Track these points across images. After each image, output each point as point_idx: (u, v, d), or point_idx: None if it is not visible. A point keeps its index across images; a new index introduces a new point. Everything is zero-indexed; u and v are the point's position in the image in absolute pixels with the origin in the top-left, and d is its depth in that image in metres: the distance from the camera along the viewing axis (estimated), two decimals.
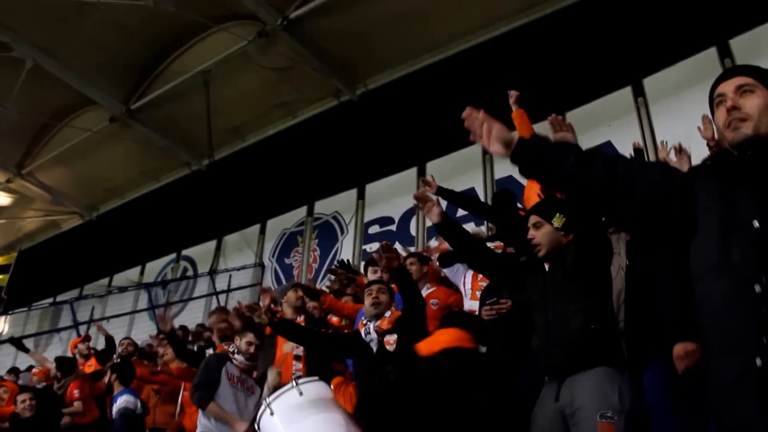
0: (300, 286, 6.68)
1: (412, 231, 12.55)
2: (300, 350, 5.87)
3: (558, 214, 3.63)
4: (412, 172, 13.18)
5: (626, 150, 7.98)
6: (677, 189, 2.21)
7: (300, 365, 5.80)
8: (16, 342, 10.09)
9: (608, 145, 10.05)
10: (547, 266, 3.63)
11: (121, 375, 7.43)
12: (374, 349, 4.53)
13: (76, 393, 7.86)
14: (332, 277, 9.15)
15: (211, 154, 15.24)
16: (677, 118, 9.21)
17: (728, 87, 2.24)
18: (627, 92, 10.69)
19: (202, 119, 14.19)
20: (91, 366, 8.83)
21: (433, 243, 8.72)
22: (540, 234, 3.64)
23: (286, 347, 5.97)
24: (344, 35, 12.41)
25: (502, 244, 5.94)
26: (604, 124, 10.41)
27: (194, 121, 14.62)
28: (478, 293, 5.37)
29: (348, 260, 9.47)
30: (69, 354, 9.80)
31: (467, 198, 7.38)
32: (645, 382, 3.59)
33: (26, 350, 9.93)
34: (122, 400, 7.02)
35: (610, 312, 3.50)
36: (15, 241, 21.08)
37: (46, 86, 14.07)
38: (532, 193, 5.60)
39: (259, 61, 13.21)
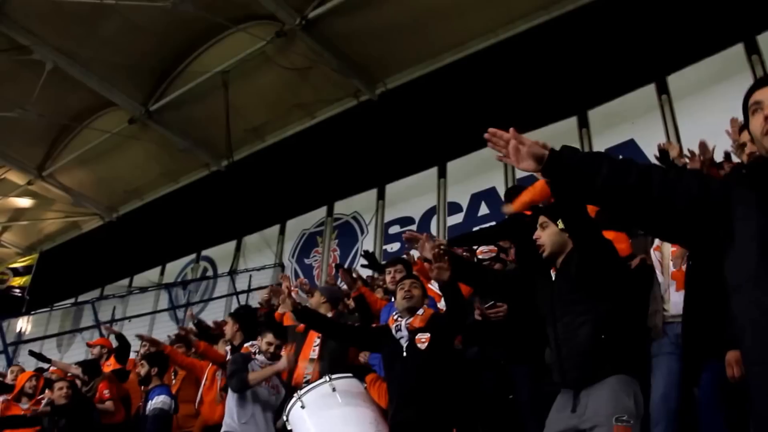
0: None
1: (433, 230, 12.43)
2: (315, 353, 5.86)
3: None
4: (433, 171, 13.11)
5: (650, 148, 7.90)
6: (714, 199, 2.12)
7: (311, 368, 5.77)
8: (37, 355, 10.00)
9: (631, 144, 9.95)
10: (553, 275, 3.58)
11: (159, 366, 7.35)
12: (404, 346, 4.46)
13: (106, 393, 7.70)
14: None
15: (230, 155, 15.24)
16: (702, 116, 9.09)
17: (765, 94, 2.15)
18: (651, 90, 10.52)
19: (221, 120, 14.19)
20: (110, 365, 8.76)
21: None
22: (545, 234, 3.61)
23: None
24: (363, 35, 12.39)
25: (495, 248, 5.91)
26: (628, 122, 10.28)
27: (213, 122, 14.62)
28: None
29: (373, 252, 9.41)
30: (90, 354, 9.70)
31: (474, 234, 7.47)
32: (701, 380, 3.55)
33: (48, 360, 9.85)
34: (159, 401, 6.90)
35: (624, 318, 3.39)
36: (36, 242, 21.31)
37: (65, 88, 14.18)
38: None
39: (278, 61, 13.21)
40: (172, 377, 7.95)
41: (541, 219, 3.67)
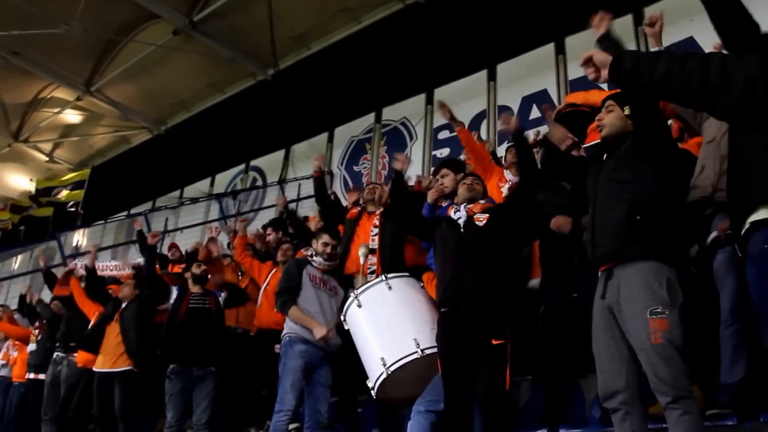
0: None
1: (483, 135, 12.28)
2: (375, 244, 5.97)
3: None
4: (482, 75, 12.89)
5: (710, 46, 7.64)
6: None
7: (375, 259, 5.90)
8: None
9: (690, 42, 9.61)
10: (604, 158, 3.62)
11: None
12: (461, 224, 4.48)
13: None
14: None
15: (276, 64, 15.17)
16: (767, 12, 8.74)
17: None
18: None
19: (266, 28, 14.07)
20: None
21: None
22: (609, 116, 3.65)
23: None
24: None
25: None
26: (686, 19, 9.88)
27: (258, 31, 14.51)
28: None
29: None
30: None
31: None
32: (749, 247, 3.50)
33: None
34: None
35: (665, 205, 3.39)
36: (88, 157, 21.64)
37: (109, 2, 14.18)
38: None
39: None
40: (238, 275, 8.11)
41: (608, 103, 3.71)
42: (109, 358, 7.31)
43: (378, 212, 6.19)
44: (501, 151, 8.87)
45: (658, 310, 3.05)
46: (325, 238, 5.85)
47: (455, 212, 4.63)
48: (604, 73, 2.62)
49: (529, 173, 4.64)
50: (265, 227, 8.84)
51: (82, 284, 8.73)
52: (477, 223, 4.41)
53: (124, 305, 7.54)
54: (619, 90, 4.02)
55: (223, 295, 7.14)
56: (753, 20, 2.54)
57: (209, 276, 7.06)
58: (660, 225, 3.28)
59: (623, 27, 9.55)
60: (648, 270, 3.17)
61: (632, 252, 3.22)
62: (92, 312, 8.17)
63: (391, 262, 5.74)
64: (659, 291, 3.11)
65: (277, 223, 8.83)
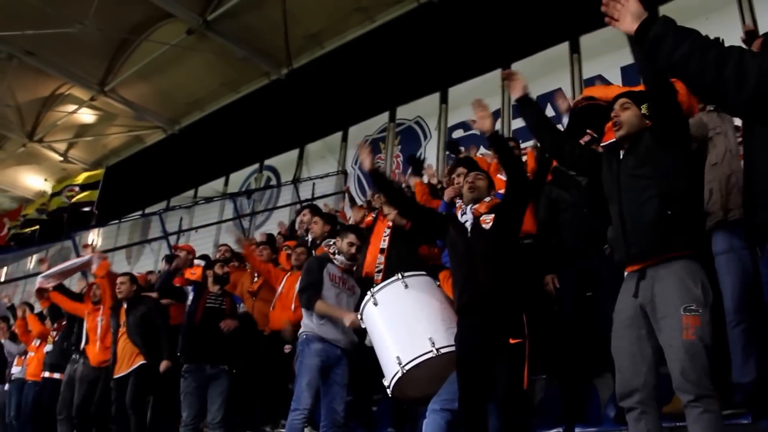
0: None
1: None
2: (385, 243, 5.96)
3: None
4: (496, 73, 12.78)
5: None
6: None
7: (382, 258, 5.88)
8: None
9: None
10: (621, 154, 3.56)
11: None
12: (469, 229, 4.41)
13: None
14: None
15: (289, 63, 15.21)
16: None
17: None
18: None
19: (280, 27, 14.12)
20: (194, 274, 8.95)
21: None
22: (625, 114, 3.59)
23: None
24: None
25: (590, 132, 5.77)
26: (702, 17, 9.82)
27: (271, 30, 14.56)
28: None
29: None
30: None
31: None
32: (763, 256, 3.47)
33: None
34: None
35: (691, 197, 3.41)
36: (102, 157, 21.76)
37: (123, 1, 14.20)
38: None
39: None
40: (254, 278, 8.05)
41: (623, 100, 3.65)
42: (124, 362, 7.31)
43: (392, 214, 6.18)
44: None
45: (693, 307, 3.06)
46: (351, 237, 5.77)
47: (462, 215, 4.59)
48: (629, 25, 2.39)
49: (515, 170, 4.51)
50: (300, 209, 8.85)
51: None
52: (483, 225, 4.36)
53: (125, 306, 7.52)
54: (634, 88, 3.97)
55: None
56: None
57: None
58: (689, 218, 3.30)
59: None
60: (683, 269, 3.17)
61: (668, 250, 3.21)
62: (85, 311, 8.24)
63: (397, 262, 5.69)
64: (694, 290, 3.12)
65: (315, 207, 8.87)
